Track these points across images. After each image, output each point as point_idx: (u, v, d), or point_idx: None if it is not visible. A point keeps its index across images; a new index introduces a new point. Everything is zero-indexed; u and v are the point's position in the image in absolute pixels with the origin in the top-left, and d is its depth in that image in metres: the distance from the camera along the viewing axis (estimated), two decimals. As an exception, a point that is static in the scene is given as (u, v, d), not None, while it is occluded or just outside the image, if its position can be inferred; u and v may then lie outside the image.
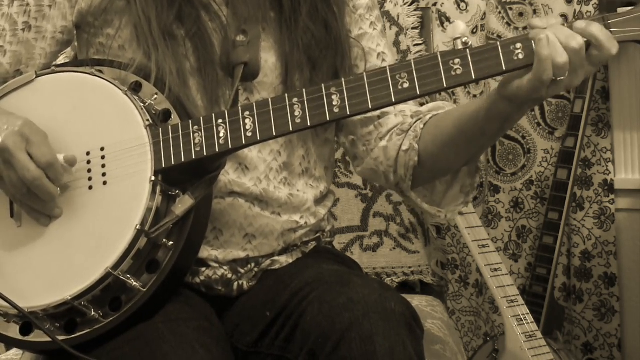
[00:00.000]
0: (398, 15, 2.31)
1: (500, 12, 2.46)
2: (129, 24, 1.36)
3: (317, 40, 1.40)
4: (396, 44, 2.30)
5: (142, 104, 1.28)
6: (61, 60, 1.51)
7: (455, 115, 1.36)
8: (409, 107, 1.47)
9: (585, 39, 1.17)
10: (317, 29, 1.40)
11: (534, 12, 2.44)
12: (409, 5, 2.33)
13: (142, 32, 1.33)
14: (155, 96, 1.30)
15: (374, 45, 1.50)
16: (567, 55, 1.16)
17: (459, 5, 2.52)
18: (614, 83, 2.42)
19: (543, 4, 2.43)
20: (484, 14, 2.49)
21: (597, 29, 1.16)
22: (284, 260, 1.44)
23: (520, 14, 2.45)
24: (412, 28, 2.31)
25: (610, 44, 1.17)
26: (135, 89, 1.32)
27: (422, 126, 1.41)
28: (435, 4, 2.52)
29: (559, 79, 1.17)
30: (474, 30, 2.51)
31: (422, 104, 2.17)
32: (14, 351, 1.77)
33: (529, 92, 1.20)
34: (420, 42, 2.33)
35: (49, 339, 1.24)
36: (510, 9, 2.45)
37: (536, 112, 2.49)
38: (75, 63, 1.41)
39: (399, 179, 1.43)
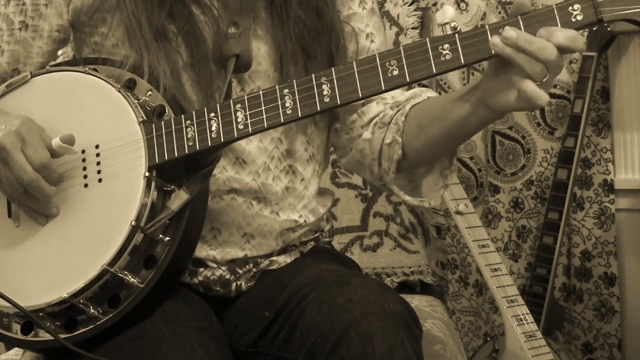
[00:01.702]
0: (398, 15, 2.32)
1: (500, 12, 2.46)
2: (121, 23, 1.36)
3: (309, 29, 1.40)
4: (396, 44, 2.30)
5: (136, 101, 1.28)
6: (60, 60, 1.52)
7: (437, 116, 1.34)
8: (391, 93, 1.45)
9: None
10: (309, 17, 1.40)
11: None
12: (409, 5, 2.33)
13: (134, 33, 1.33)
14: (150, 92, 1.31)
15: (362, 26, 1.48)
16: (543, 65, 1.15)
17: (459, 5, 2.53)
18: (614, 83, 2.42)
19: (543, 4, 2.42)
20: (484, 14, 2.49)
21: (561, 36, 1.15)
22: (283, 260, 1.44)
23: (520, 14, 2.45)
24: (412, 28, 2.31)
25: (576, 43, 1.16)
26: (130, 86, 1.32)
27: (403, 118, 1.40)
28: (435, 4, 2.53)
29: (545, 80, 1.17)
30: (477, 26, 2.51)
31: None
32: (14, 351, 1.78)
33: (518, 108, 1.21)
34: (424, 38, 2.33)
35: (49, 338, 1.24)
36: (510, 8, 2.45)
37: (536, 112, 2.49)
38: (70, 62, 1.42)
39: (383, 172, 1.43)
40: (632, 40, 2.38)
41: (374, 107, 1.45)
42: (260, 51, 1.39)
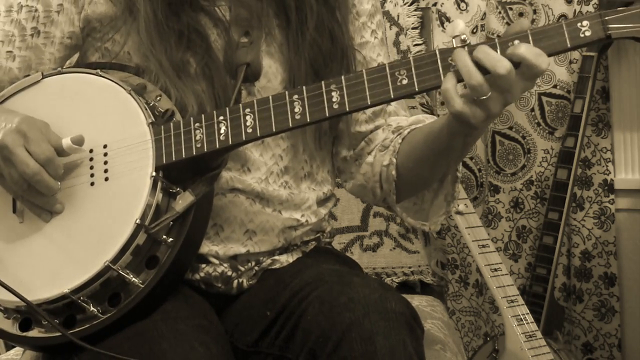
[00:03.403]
0: (398, 15, 2.32)
1: (500, 12, 2.46)
2: (134, 32, 1.36)
3: (323, 53, 1.41)
4: (396, 44, 2.31)
5: (145, 104, 1.29)
6: (66, 66, 1.52)
7: (424, 132, 1.38)
8: (397, 119, 1.49)
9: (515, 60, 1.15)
10: (324, 41, 1.41)
11: (534, 12, 2.44)
12: (409, 5, 2.33)
13: (156, 70, 1.33)
14: (159, 97, 1.32)
15: (374, 55, 1.51)
16: (480, 78, 1.15)
17: (459, 5, 2.53)
18: (614, 83, 2.42)
19: (543, 4, 2.43)
20: (484, 14, 2.49)
21: (522, 50, 1.14)
22: (284, 259, 1.44)
23: (520, 14, 2.45)
24: (412, 28, 2.32)
25: (538, 61, 1.14)
26: (140, 90, 1.33)
27: (400, 141, 1.43)
28: (435, 4, 2.53)
29: (482, 98, 1.16)
30: (474, 30, 2.51)
31: (421, 104, 2.18)
32: (14, 351, 1.78)
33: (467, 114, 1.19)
34: (420, 42, 2.33)
35: (47, 335, 1.24)
36: (510, 9, 2.46)
37: (536, 112, 2.49)
38: (82, 65, 1.43)
39: (385, 194, 1.45)
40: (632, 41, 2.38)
41: (380, 134, 1.48)
42: (271, 68, 1.40)
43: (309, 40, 1.40)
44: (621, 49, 2.41)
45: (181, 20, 1.35)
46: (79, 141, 1.28)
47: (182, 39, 1.35)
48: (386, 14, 2.33)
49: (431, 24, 2.44)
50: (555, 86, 2.46)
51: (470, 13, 2.52)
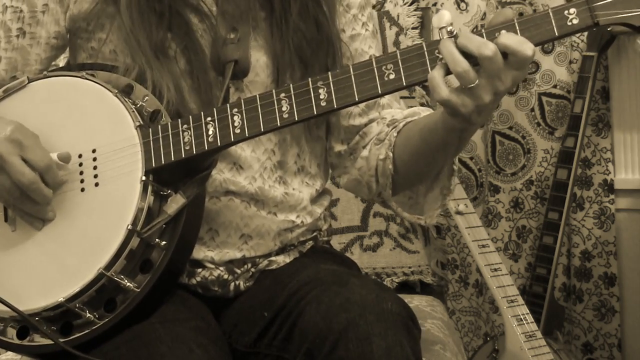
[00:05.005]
0: (398, 15, 2.32)
1: (500, 12, 2.46)
2: (119, 29, 1.36)
3: (308, 40, 1.40)
4: (396, 44, 2.30)
5: (133, 106, 1.29)
6: (61, 60, 1.52)
7: (420, 126, 1.37)
8: (391, 112, 1.48)
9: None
10: (308, 28, 1.40)
11: (534, 12, 2.44)
12: (409, 5, 2.33)
13: (134, 49, 1.33)
14: (147, 98, 1.31)
15: (366, 47, 1.50)
16: (465, 64, 1.13)
17: (459, 5, 2.52)
18: (614, 83, 2.42)
19: (543, 4, 2.43)
20: (484, 14, 2.49)
21: (505, 38, 1.13)
22: (281, 260, 1.44)
23: (520, 14, 2.44)
24: (412, 28, 2.31)
25: (522, 48, 1.13)
26: (127, 91, 1.32)
27: (395, 134, 1.41)
28: (435, 4, 2.53)
29: (470, 85, 1.15)
30: (474, 30, 2.51)
31: (421, 104, 2.18)
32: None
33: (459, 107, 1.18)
34: (420, 42, 2.33)
35: (45, 343, 1.24)
36: (510, 8, 2.45)
37: (536, 112, 2.49)
38: (68, 67, 1.42)
39: (381, 188, 1.44)
40: (632, 41, 2.38)
41: (375, 127, 1.47)
42: (259, 62, 1.40)
43: (292, 26, 1.38)
44: (621, 48, 2.41)
45: (164, 12, 1.34)
46: (65, 158, 1.28)
47: (163, 19, 1.34)
48: (386, 14, 2.33)
49: (431, 24, 2.44)
50: (555, 86, 2.46)
51: (470, 13, 2.52)
